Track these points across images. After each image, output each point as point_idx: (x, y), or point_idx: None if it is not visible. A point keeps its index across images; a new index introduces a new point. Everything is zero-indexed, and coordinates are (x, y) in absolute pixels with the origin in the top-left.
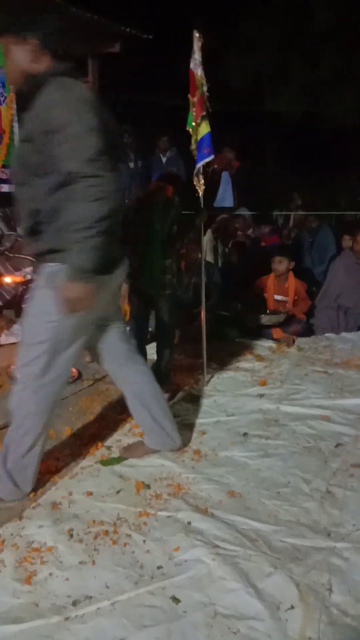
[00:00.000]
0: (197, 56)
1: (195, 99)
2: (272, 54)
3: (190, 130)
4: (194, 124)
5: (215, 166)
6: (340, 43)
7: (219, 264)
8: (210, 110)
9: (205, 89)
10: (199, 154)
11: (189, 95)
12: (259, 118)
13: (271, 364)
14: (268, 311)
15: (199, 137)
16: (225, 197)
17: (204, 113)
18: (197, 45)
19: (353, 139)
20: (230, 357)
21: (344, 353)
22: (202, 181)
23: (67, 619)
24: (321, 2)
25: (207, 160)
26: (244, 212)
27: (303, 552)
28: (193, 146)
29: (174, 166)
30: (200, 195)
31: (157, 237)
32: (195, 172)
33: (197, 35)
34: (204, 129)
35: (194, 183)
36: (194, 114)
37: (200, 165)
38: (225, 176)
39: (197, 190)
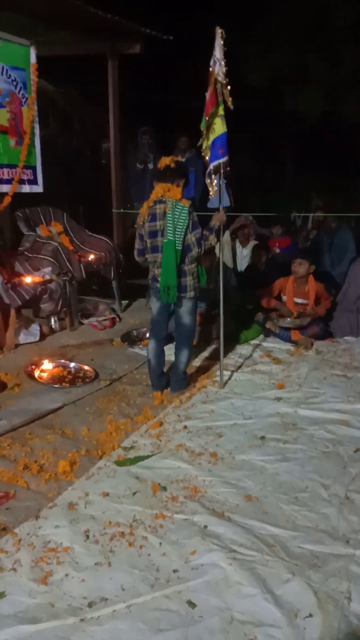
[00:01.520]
0: (217, 52)
1: (207, 95)
2: (292, 52)
3: (203, 129)
4: (205, 119)
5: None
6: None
7: (238, 267)
8: (232, 108)
9: (225, 89)
10: (212, 153)
11: (205, 94)
12: (278, 117)
13: (289, 367)
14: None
15: (215, 137)
16: (221, 197)
17: (222, 113)
18: (218, 41)
19: None
20: (248, 359)
21: None
22: (215, 181)
23: (82, 620)
24: None
25: (221, 160)
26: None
27: (321, 558)
28: (204, 145)
29: (193, 167)
30: (211, 196)
31: (171, 245)
32: (207, 172)
33: (219, 31)
34: (220, 128)
35: (207, 183)
36: (205, 111)
37: (213, 165)
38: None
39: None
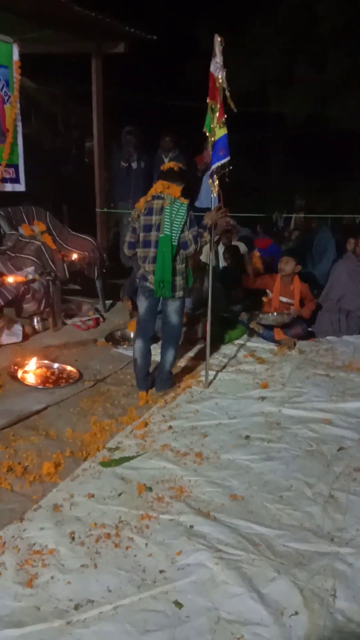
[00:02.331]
0: (218, 59)
1: (218, 103)
2: (278, 56)
3: (208, 132)
4: (212, 126)
5: (198, 167)
6: (346, 46)
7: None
8: (235, 110)
9: (226, 92)
10: (214, 155)
11: (207, 99)
12: (264, 120)
13: (273, 367)
14: (275, 313)
15: (216, 139)
16: (206, 197)
17: (225, 116)
18: (218, 48)
19: (357, 142)
20: (232, 359)
21: (345, 356)
22: (217, 182)
23: (69, 623)
24: (328, 5)
25: (222, 162)
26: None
27: (307, 557)
28: (209, 148)
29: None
30: (214, 195)
31: (167, 240)
32: (209, 173)
33: (219, 39)
34: (221, 130)
35: (209, 184)
36: (213, 116)
37: (215, 166)
38: (207, 174)
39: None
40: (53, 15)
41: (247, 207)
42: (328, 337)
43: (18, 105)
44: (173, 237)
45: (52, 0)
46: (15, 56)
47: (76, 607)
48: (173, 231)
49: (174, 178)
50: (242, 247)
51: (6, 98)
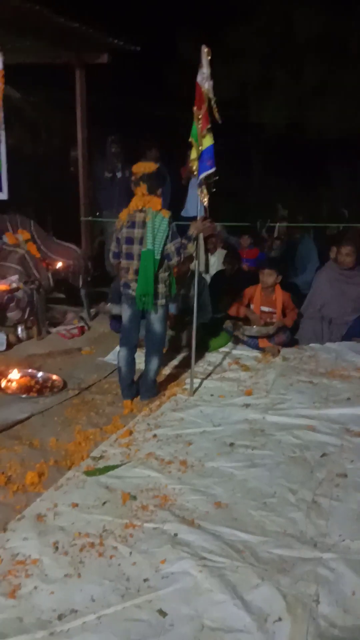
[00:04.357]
0: (205, 70)
1: (201, 112)
2: (257, 65)
3: (194, 141)
4: (198, 136)
5: (183, 177)
6: (323, 54)
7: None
8: (220, 121)
9: (213, 102)
10: (201, 165)
11: (194, 108)
12: (243, 128)
13: (257, 374)
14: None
15: (203, 149)
16: (193, 206)
17: (209, 126)
18: (205, 59)
19: (336, 150)
20: (217, 367)
21: (328, 363)
22: (206, 191)
23: (52, 634)
24: (306, 13)
25: (209, 172)
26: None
27: (290, 563)
28: (193, 156)
29: (162, 177)
30: (205, 205)
31: (150, 255)
32: (197, 183)
33: (206, 49)
34: (208, 141)
35: (198, 193)
36: (198, 126)
37: (202, 176)
38: (192, 184)
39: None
40: (36, 25)
41: (232, 216)
42: (311, 345)
43: (1, 114)
44: (156, 252)
45: (35, 12)
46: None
47: (60, 618)
48: (155, 245)
49: (150, 185)
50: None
51: None
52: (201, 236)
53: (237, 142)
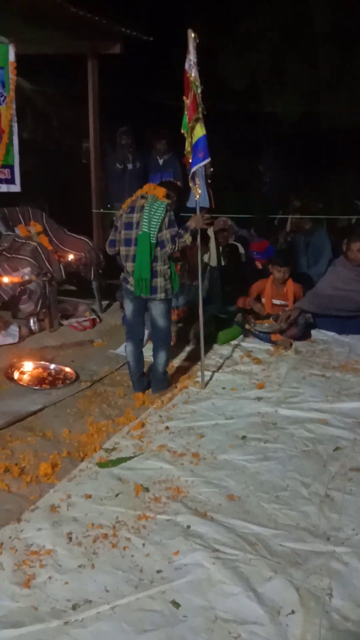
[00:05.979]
0: (192, 56)
1: (188, 101)
2: (271, 54)
3: (185, 133)
4: (189, 126)
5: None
6: (339, 44)
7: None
8: (205, 112)
9: (199, 90)
10: (193, 157)
11: (183, 97)
12: (257, 119)
13: (269, 367)
14: (271, 317)
15: (194, 141)
16: (202, 197)
17: (199, 116)
18: (192, 45)
19: (349, 141)
20: (228, 359)
21: (341, 356)
22: (198, 184)
23: (66, 623)
24: (321, 2)
25: (202, 164)
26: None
27: (303, 556)
28: (188, 149)
29: (171, 168)
30: (196, 198)
31: (145, 237)
32: (190, 175)
33: (193, 35)
34: (199, 132)
35: (190, 186)
36: (187, 116)
37: (195, 169)
38: (200, 173)
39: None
40: (49, 15)
41: (243, 208)
42: (323, 338)
43: (14, 106)
44: (151, 235)
45: (48, 1)
46: (11, 57)
47: (74, 607)
48: (151, 229)
49: (169, 187)
50: (240, 248)
51: (2, 99)
52: (211, 230)
53: (250, 133)
